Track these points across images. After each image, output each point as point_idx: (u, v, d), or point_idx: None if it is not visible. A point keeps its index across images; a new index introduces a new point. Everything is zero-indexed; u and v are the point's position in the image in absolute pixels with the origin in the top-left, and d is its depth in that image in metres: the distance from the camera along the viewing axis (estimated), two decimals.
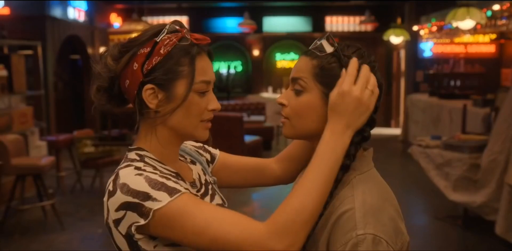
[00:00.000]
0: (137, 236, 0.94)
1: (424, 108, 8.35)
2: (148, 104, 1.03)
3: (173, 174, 1.05)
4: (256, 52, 12.89)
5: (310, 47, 1.07)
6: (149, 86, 1.02)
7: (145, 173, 0.96)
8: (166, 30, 1.03)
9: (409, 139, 9.02)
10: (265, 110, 11.01)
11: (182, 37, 1.03)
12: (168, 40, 1.02)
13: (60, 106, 9.61)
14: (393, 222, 0.97)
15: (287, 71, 13.19)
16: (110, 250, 3.97)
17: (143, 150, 1.06)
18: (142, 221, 0.91)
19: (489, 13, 6.59)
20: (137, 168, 0.98)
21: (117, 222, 0.94)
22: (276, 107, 11.44)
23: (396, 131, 10.69)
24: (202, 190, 1.12)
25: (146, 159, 1.04)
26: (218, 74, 12.38)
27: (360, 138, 1.03)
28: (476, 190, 4.35)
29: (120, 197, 0.93)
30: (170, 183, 0.94)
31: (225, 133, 7.01)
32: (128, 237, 0.95)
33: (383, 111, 11.88)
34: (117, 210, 0.93)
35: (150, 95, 1.03)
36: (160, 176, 0.96)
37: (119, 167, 1.03)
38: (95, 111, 1.10)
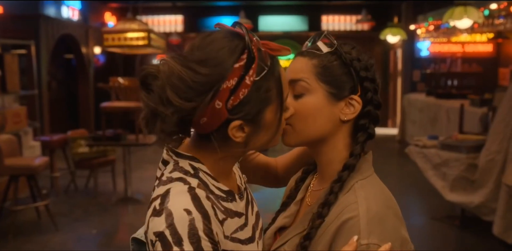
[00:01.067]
0: None
1: (421, 107, 8.32)
2: (234, 139, 0.89)
3: (223, 195, 0.96)
4: None
5: (305, 48, 1.03)
6: (236, 123, 0.87)
7: (194, 213, 0.85)
8: (250, 55, 0.86)
9: (406, 139, 9.01)
10: None
11: (258, 52, 0.88)
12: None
13: (54, 106, 9.55)
14: (397, 230, 0.93)
15: None
16: (105, 250, 3.90)
17: (198, 161, 0.94)
18: None
19: (486, 12, 6.57)
20: (190, 189, 0.88)
21: (152, 243, 0.88)
22: None
23: (393, 131, 10.68)
24: (245, 198, 1.03)
25: (201, 174, 0.93)
26: None
27: (366, 136, 1.00)
28: (473, 190, 4.33)
29: (161, 225, 0.86)
30: (204, 243, 0.85)
31: None
32: None
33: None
34: (154, 233, 0.87)
35: (236, 130, 0.89)
36: (203, 224, 0.86)
37: (169, 174, 0.92)
38: (157, 145, 0.95)
